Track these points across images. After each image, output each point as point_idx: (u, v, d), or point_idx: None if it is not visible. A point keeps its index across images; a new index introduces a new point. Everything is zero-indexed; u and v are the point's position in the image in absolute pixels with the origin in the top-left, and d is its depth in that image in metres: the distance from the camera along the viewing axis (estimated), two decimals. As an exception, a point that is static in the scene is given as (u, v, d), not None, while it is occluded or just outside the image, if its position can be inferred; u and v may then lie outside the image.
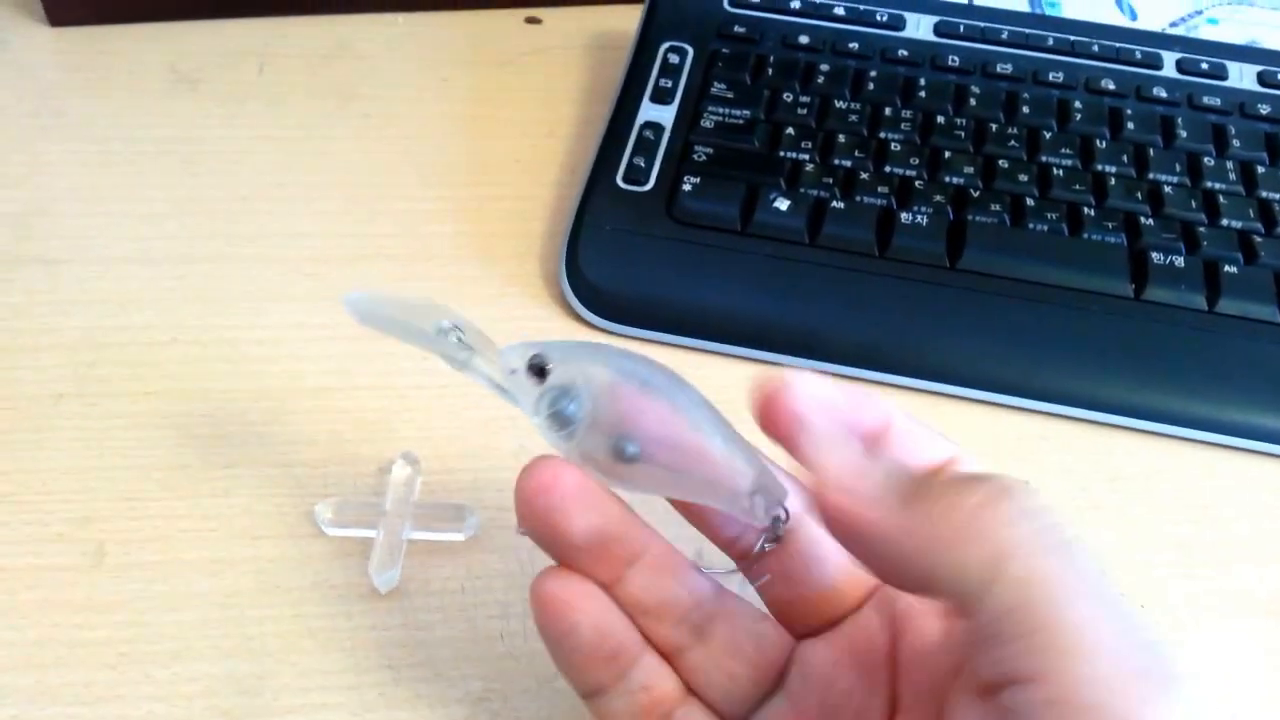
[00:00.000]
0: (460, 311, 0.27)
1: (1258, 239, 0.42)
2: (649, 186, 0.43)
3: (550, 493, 0.24)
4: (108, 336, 0.39)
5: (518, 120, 0.50)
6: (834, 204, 0.42)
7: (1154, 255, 0.41)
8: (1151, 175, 0.44)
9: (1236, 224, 0.43)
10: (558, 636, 0.26)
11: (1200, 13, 0.55)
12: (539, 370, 0.25)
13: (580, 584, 0.25)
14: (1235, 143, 0.45)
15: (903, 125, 0.45)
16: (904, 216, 0.42)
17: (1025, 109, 0.46)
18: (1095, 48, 0.49)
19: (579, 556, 0.25)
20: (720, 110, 0.46)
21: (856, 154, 0.44)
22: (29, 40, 0.52)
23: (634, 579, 0.26)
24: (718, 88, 0.46)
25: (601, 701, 0.26)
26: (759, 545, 0.26)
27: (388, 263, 0.43)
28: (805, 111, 0.46)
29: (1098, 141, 0.45)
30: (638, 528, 0.26)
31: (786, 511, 0.25)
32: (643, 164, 0.44)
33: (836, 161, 0.44)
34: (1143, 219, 0.42)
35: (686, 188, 0.43)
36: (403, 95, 0.50)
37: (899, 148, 0.44)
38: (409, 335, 0.27)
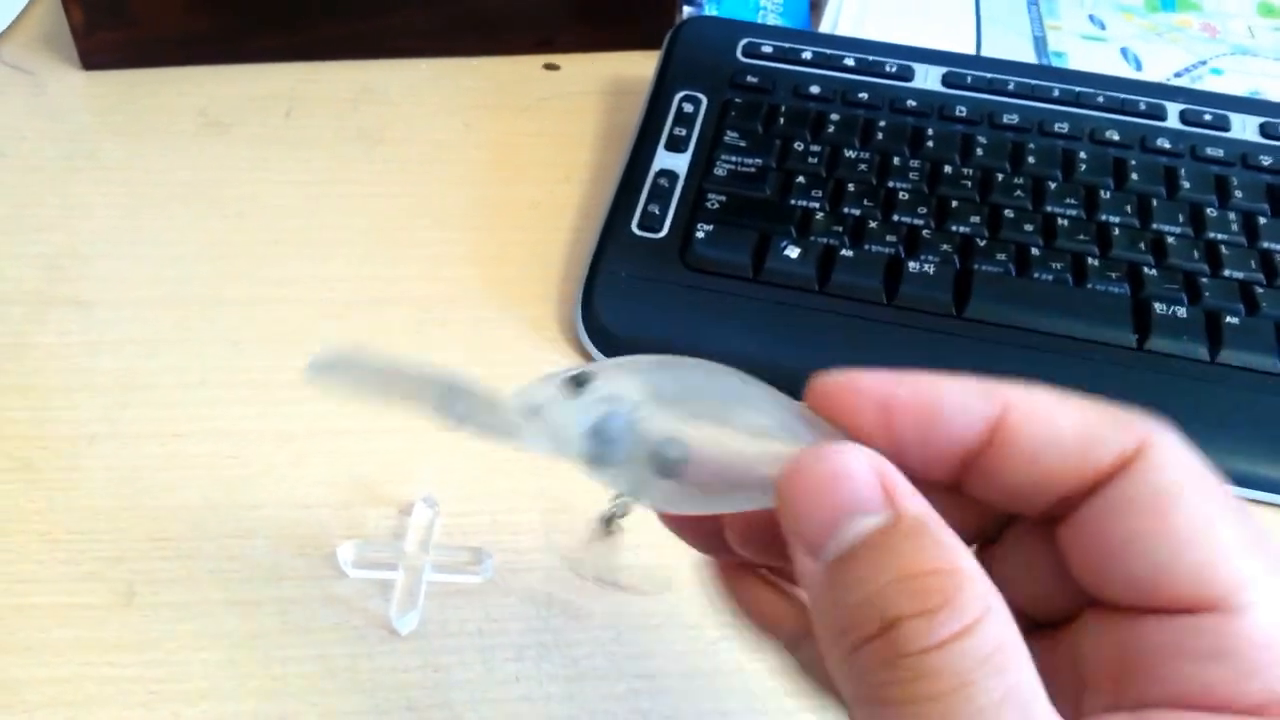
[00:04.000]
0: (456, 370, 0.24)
1: (1259, 290, 0.43)
2: (663, 234, 0.45)
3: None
4: (138, 378, 0.41)
5: (535, 165, 0.51)
6: (843, 252, 0.43)
7: (1157, 306, 0.42)
8: (1155, 226, 0.45)
9: (1238, 275, 0.44)
10: None
11: (1204, 63, 0.56)
12: (580, 382, 0.23)
13: None
14: (1237, 194, 0.46)
15: (911, 175, 0.46)
16: (911, 265, 0.43)
17: (1031, 159, 0.47)
18: (1100, 99, 0.50)
19: None
20: (733, 159, 0.47)
21: (865, 203, 0.45)
22: (63, 84, 0.53)
23: None
24: (730, 136, 0.48)
25: None
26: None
27: (409, 306, 0.44)
28: (816, 160, 0.47)
29: (1102, 192, 0.46)
30: None
31: None
32: (657, 211, 0.45)
33: (846, 210, 0.45)
34: (1146, 269, 0.43)
35: (700, 235, 0.44)
36: (426, 140, 0.52)
37: (907, 197, 0.46)
38: (395, 391, 0.24)
